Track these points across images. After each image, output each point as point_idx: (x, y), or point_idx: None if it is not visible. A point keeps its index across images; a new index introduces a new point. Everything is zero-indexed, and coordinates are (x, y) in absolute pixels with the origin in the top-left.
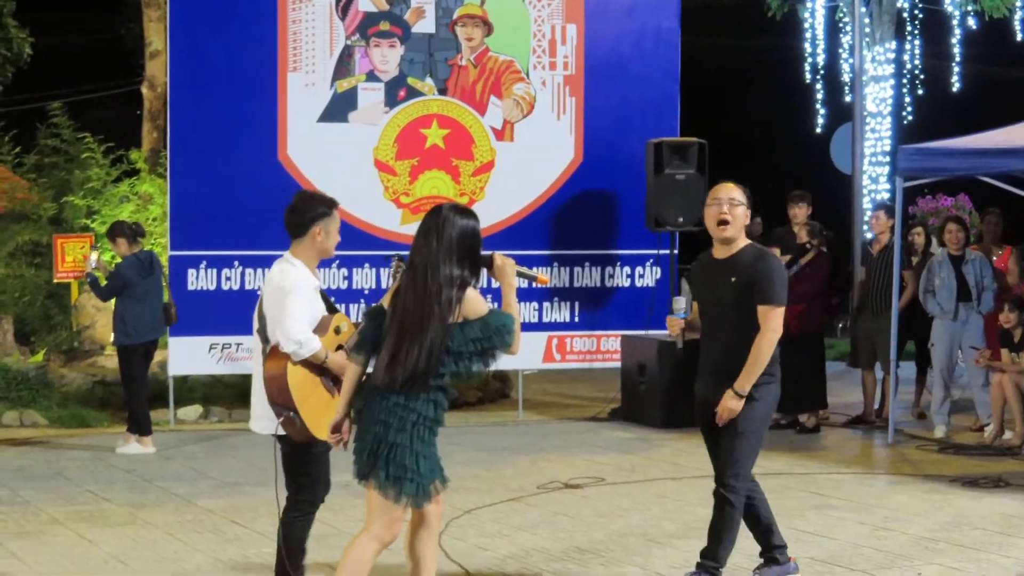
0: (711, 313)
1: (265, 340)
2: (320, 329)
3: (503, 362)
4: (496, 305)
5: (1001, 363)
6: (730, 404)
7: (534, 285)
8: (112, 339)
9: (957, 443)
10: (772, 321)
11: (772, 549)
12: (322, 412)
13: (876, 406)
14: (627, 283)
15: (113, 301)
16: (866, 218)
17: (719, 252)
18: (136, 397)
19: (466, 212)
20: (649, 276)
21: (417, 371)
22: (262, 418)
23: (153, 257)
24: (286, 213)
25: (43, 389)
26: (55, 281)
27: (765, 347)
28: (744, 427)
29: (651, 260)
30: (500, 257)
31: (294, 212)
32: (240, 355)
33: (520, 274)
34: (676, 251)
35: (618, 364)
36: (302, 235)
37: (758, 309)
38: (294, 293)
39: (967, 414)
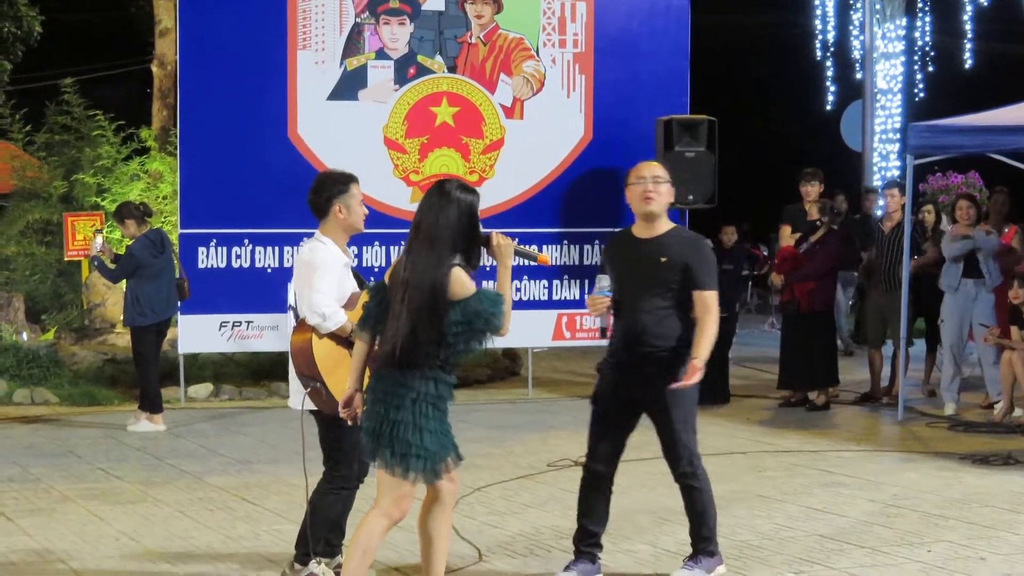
0: (634, 292)
1: (298, 316)
2: (349, 305)
3: (512, 340)
4: (493, 284)
5: (1011, 341)
6: (697, 367)
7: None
8: (124, 319)
9: (967, 420)
10: (714, 305)
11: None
12: None
13: (886, 383)
14: None
15: (124, 280)
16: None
17: (643, 231)
18: (147, 375)
19: (468, 189)
20: None
21: (407, 348)
22: (296, 393)
23: (163, 235)
24: (308, 196)
25: (54, 367)
26: (66, 259)
27: (714, 328)
28: (681, 414)
29: None
30: (498, 236)
31: (313, 193)
32: (250, 333)
33: (520, 253)
34: (684, 228)
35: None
36: (325, 215)
37: (700, 295)
38: (321, 268)
39: (977, 391)
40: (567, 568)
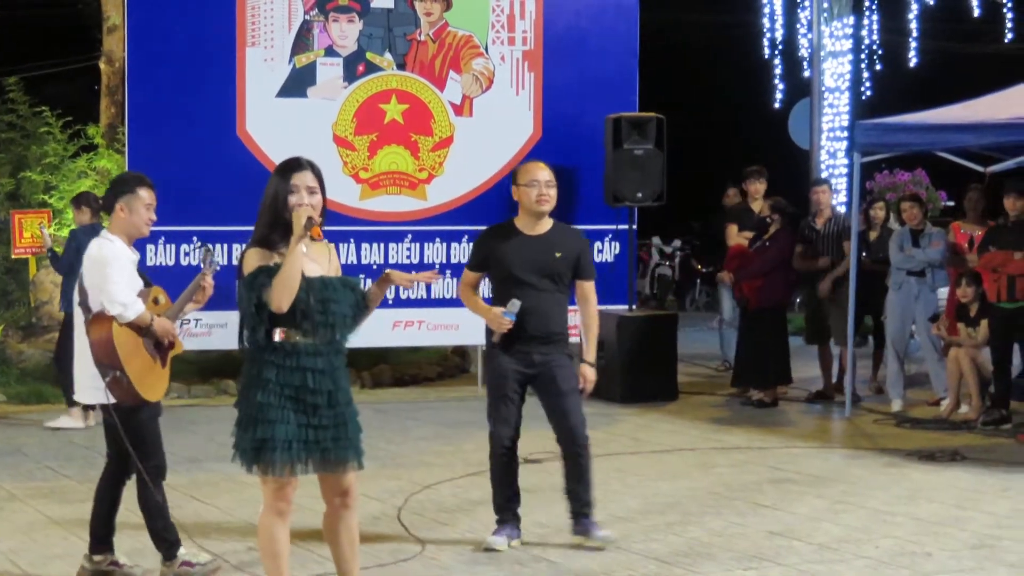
0: (531, 284)
1: (87, 311)
2: (140, 299)
3: (462, 337)
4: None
5: (958, 337)
6: (592, 376)
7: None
8: (61, 306)
9: (914, 417)
10: (595, 295)
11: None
12: (146, 373)
13: (834, 380)
14: None
15: None
16: None
17: (530, 228)
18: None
19: (278, 168)
20: (608, 251)
21: (239, 332)
22: (88, 388)
23: None
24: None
25: (1, 365)
26: (13, 257)
27: (598, 321)
28: (575, 386)
29: (610, 235)
30: (302, 208)
31: (106, 190)
32: (199, 331)
33: (307, 224)
34: (635, 226)
35: (577, 339)
36: (111, 211)
37: (585, 284)
38: (113, 262)
39: (924, 388)
40: (496, 533)
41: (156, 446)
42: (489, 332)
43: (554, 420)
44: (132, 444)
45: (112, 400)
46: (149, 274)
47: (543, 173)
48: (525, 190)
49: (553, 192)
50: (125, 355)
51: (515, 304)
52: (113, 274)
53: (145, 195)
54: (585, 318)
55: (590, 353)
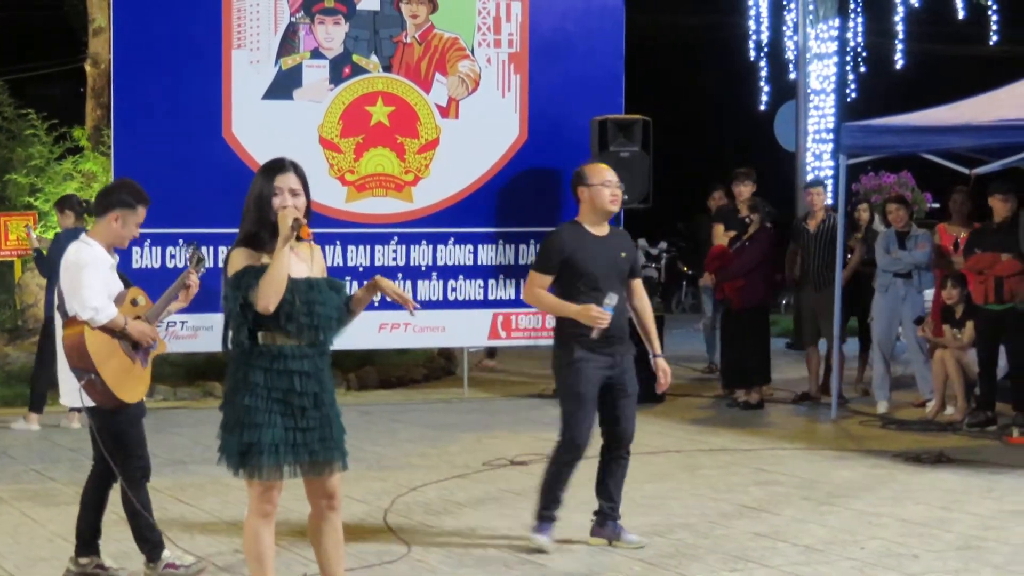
0: (607, 282)
1: (65, 315)
2: (118, 301)
3: (448, 339)
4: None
5: (943, 339)
6: (669, 368)
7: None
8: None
9: (899, 419)
10: (644, 290)
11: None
12: (123, 375)
13: (820, 382)
14: None
15: None
16: None
17: (596, 228)
18: (44, 373)
19: (262, 169)
20: None
21: (223, 336)
22: (71, 392)
23: None
24: (98, 194)
25: None
26: None
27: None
28: (636, 389)
29: None
30: (287, 209)
31: (102, 192)
32: (185, 333)
33: (294, 225)
34: (620, 228)
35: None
36: (102, 215)
37: (637, 282)
38: (89, 267)
39: (909, 390)
40: (542, 532)
41: (140, 447)
42: (568, 335)
43: (610, 421)
44: (115, 446)
45: (90, 403)
46: (135, 277)
47: (611, 173)
48: (599, 190)
49: (620, 193)
50: (99, 359)
51: (613, 298)
52: (86, 279)
53: (141, 214)
54: (644, 316)
55: (657, 346)
